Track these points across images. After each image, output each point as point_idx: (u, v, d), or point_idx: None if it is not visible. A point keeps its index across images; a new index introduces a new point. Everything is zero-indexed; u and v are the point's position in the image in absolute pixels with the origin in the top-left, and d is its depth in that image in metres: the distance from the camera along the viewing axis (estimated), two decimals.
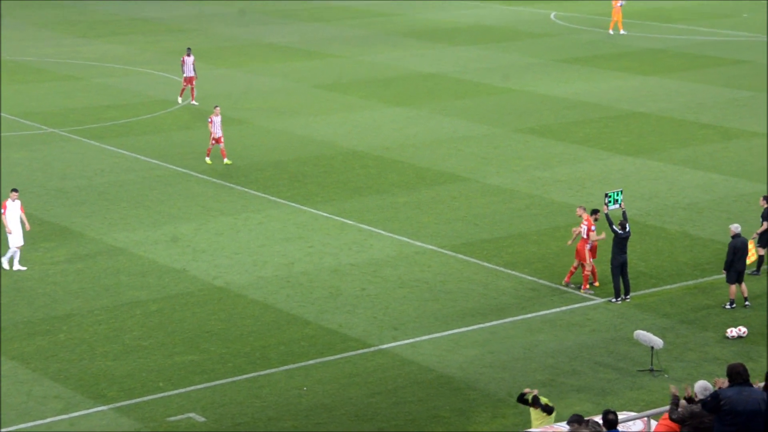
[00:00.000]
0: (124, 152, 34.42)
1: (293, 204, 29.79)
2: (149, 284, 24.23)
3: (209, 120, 32.81)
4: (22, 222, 24.88)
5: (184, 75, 40.24)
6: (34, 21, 59.48)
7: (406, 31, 58.39)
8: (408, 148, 35.70)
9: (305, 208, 29.51)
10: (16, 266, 24.79)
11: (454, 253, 26.37)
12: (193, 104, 40.34)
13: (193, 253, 26.09)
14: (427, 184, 31.81)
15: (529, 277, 24.97)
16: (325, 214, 28.99)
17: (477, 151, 35.47)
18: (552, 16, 63.21)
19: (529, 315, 23.00)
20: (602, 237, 24.04)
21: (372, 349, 21.33)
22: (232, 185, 31.31)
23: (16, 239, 24.65)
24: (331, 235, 27.47)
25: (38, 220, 27.94)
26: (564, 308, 23.35)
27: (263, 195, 30.50)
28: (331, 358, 20.95)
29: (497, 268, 25.52)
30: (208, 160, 32.89)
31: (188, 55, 40.17)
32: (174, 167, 32.96)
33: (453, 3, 68.65)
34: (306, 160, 34.21)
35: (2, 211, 24.64)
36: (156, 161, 33.55)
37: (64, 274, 24.64)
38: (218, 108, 33.09)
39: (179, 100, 40.59)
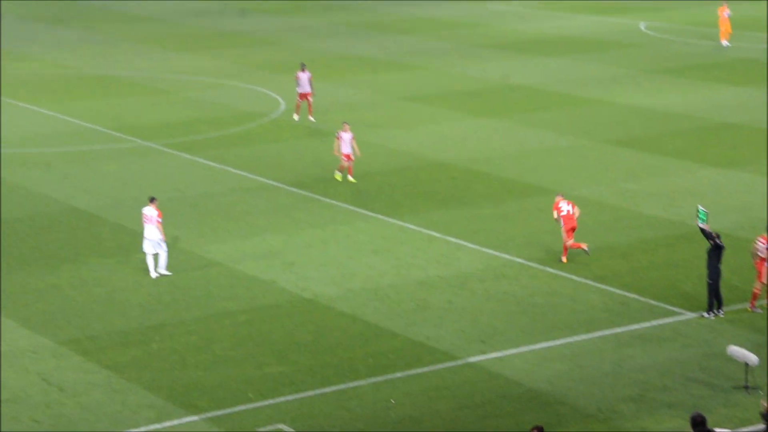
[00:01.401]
0: (215, 165, 34.90)
1: (381, 216, 29.89)
2: (239, 295, 24.51)
3: (337, 136, 32.72)
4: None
5: (299, 91, 40.18)
6: (126, 36, 60.68)
7: (493, 42, 58.25)
8: (494, 159, 35.60)
9: (393, 220, 29.59)
10: (154, 273, 25.27)
11: (541, 266, 26.20)
12: (310, 120, 40.28)
13: (281, 265, 26.34)
14: (513, 196, 31.68)
15: (619, 291, 24.69)
16: (413, 227, 29.04)
17: (564, 162, 35.22)
18: (642, 26, 62.52)
19: (619, 329, 22.74)
20: None
21: (460, 362, 21.28)
22: (320, 197, 31.54)
23: (149, 245, 25.23)
24: (419, 248, 27.50)
25: (131, 232, 28.46)
26: (654, 323, 23.04)
27: (351, 207, 30.66)
28: (419, 370, 20.95)
29: (586, 281, 25.29)
30: (350, 178, 32.60)
31: (302, 70, 40.19)
32: (263, 179, 33.32)
33: (539, 14, 68.32)
34: (393, 172, 34.31)
35: (158, 218, 25.11)
36: (245, 173, 33.96)
37: (157, 285, 25.05)
38: (347, 125, 32.89)
39: (295, 117, 40.28)
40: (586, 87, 46.41)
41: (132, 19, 67.14)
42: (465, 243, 27.83)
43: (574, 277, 25.50)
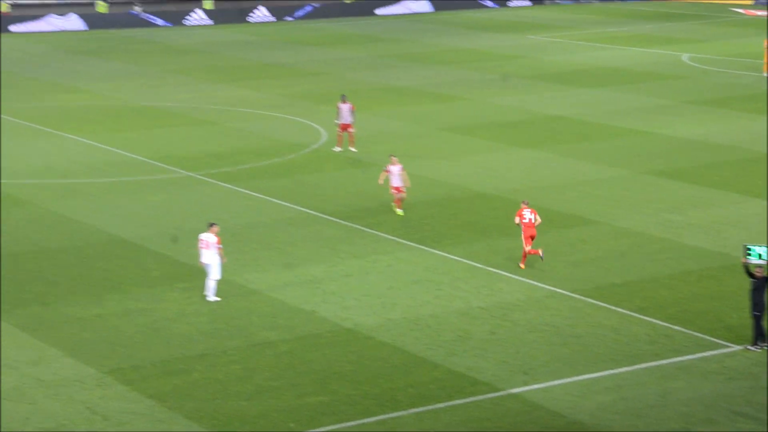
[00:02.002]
0: (257, 195, 35.12)
1: (422, 246, 29.91)
2: (280, 325, 24.60)
3: (386, 169, 32.75)
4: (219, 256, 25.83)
5: (340, 122, 40.34)
6: (170, 68, 61.38)
7: (534, 73, 58.29)
8: (536, 190, 35.54)
9: (434, 250, 29.60)
10: (210, 297, 25.76)
11: (584, 298, 26.08)
12: (352, 150, 40.46)
13: (322, 294, 26.41)
14: (555, 227, 31.58)
15: (662, 323, 24.50)
16: (454, 257, 29.02)
17: (606, 193, 35.09)
18: (685, 58, 62.31)
19: (663, 361, 22.55)
20: None
21: (502, 393, 21.19)
22: (361, 227, 31.63)
23: (214, 271, 25.64)
24: (460, 278, 27.47)
25: (174, 262, 28.68)
26: (699, 355, 22.83)
27: (392, 237, 30.71)
28: (461, 401, 20.89)
29: (629, 312, 25.13)
30: (399, 211, 32.47)
31: (343, 102, 40.49)
32: (305, 210, 33.48)
33: (581, 45, 68.32)
34: (434, 202, 34.35)
35: (218, 244, 25.62)
36: (287, 204, 34.15)
37: (198, 315, 25.20)
38: (394, 158, 32.86)
39: (337, 148, 40.44)
40: (629, 118, 46.28)
41: (176, 51, 67.91)
42: (507, 274, 27.76)
43: (617, 309, 25.35)
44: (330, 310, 25.42)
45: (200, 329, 24.36)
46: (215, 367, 22.44)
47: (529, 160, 39.66)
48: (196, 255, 29.11)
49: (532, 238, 27.82)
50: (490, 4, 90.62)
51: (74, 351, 23.11)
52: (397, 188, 32.50)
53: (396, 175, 32.47)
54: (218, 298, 25.88)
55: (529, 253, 27.83)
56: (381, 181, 32.96)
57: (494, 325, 24.46)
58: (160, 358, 22.87)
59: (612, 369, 22.20)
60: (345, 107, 40.22)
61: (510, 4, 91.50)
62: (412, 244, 30.16)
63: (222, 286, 26.72)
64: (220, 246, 25.80)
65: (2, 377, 21.81)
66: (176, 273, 27.86)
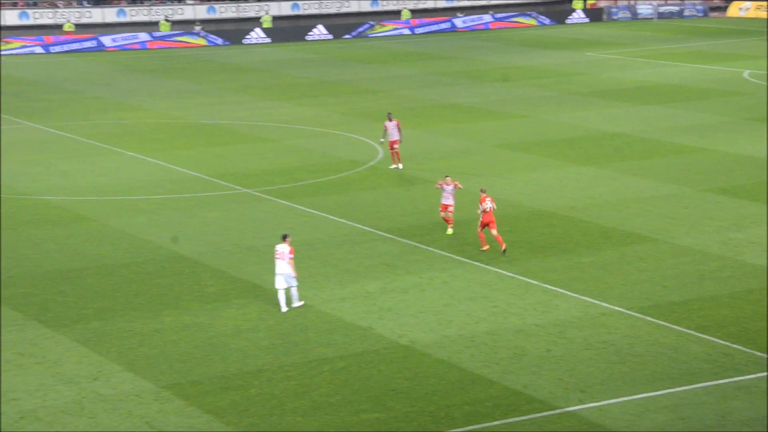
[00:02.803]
0: (313, 211, 35.30)
1: (477, 263, 29.84)
2: (336, 341, 24.66)
3: (438, 185, 32.76)
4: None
5: (388, 140, 40.46)
6: (229, 86, 61.99)
7: (592, 90, 58.00)
8: (593, 207, 35.32)
9: (489, 267, 29.52)
10: (285, 308, 26.31)
11: (642, 315, 25.84)
12: (399, 168, 40.53)
13: (378, 311, 26.44)
14: (613, 244, 31.35)
15: (722, 342, 24.19)
16: (510, 274, 28.92)
17: (665, 211, 34.77)
18: (745, 74, 61.62)
19: (723, 381, 22.25)
20: None
21: (558, 411, 21.05)
22: (417, 244, 31.64)
23: (281, 281, 26.22)
24: (516, 295, 27.37)
25: (231, 278, 28.91)
26: (760, 375, 22.49)
27: (448, 254, 30.69)
28: (517, 419, 20.77)
29: (688, 331, 24.84)
30: (449, 230, 32.50)
31: (389, 120, 40.71)
32: (361, 226, 33.58)
33: (640, 62, 67.86)
34: None
35: (290, 255, 26.23)
36: (343, 220, 34.27)
37: (256, 330, 25.36)
38: (448, 178, 32.78)
39: (392, 166, 40.54)
40: (688, 135, 45.85)
41: (235, 69, 68.58)
42: (563, 291, 27.60)
43: (675, 327, 25.07)
44: (386, 326, 25.45)
45: (257, 345, 24.50)
46: (272, 382, 22.54)
47: (586, 177, 39.43)
48: (252, 271, 29.39)
49: (488, 224, 30.26)
50: (546, 21, 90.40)
51: (133, 366, 23.36)
52: (445, 206, 32.47)
53: (448, 193, 32.48)
54: (301, 302, 26.52)
55: (496, 237, 30.29)
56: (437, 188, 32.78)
57: (550, 343, 24.32)
58: (217, 373, 23.03)
59: (670, 388, 21.96)
60: (391, 125, 40.43)
61: (567, 21, 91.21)
62: (467, 260, 30.10)
63: (277, 302, 26.86)
64: (292, 257, 26.29)
65: (63, 391, 22.11)
66: (233, 289, 28.07)
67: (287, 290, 26.44)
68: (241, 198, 37.39)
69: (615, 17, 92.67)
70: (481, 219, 30.44)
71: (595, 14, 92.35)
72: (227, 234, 33.04)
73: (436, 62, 70.09)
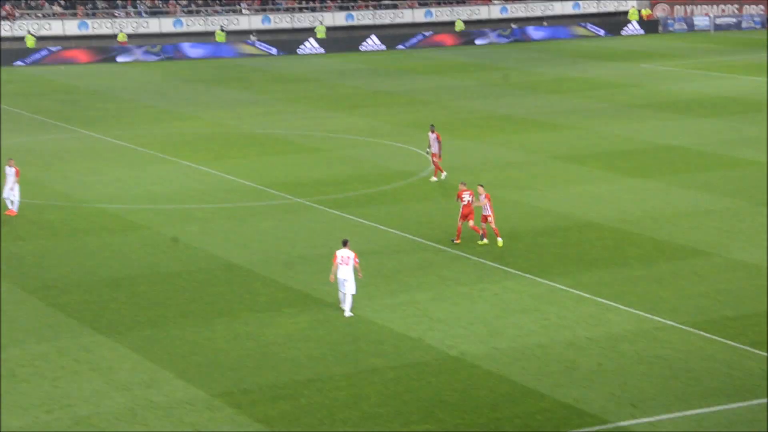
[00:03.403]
0: (365, 222, 35.37)
1: (529, 275, 29.73)
2: (386, 352, 24.67)
3: (480, 200, 32.92)
4: (355, 270, 26.73)
5: (432, 151, 40.63)
6: (282, 96, 62.37)
7: (646, 102, 57.58)
8: (647, 220, 35.03)
9: (541, 280, 29.39)
10: (349, 312, 26.74)
11: (695, 330, 25.56)
12: (433, 180, 40.66)
13: (429, 322, 26.42)
14: (666, 258, 31.07)
15: None
16: (562, 287, 28.77)
17: (720, 224, 34.40)
18: None
19: None
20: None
21: (609, 426, 20.87)
22: (467, 255, 31.58)
23: (343, 285, 26.62)
24: (567, 308, 27.21)
25: (283, 287, 29.06)
26: None
27: (499, 266, 30.60)
28: None
29: (743, 347, 24.53)
30: (499, 240, 32.49)
31: (431, 131, 40.83)
32: (412, 237, 33.59)
33: (695, 74, 67.27)
34: (542, 231, 34.13)
35: (356, 259, 26.66)
36: (394, 231, 34.30)
37: (306, 340, 25.45)
38: (481, 187, 32.72)
39: (442, 175, 40.67)
40: (744, 148, 45.33)
41: (288, 80, 68.99)
42: (615, 304, 27.40)
43: (730, 342, 24.78)
44: (437, 337, 25.42)
45: (308, 354, 24.58)
46: (322, 392, 22.60)
47: (640, 190, 39.12)
48: (303, 281, 29.51)
49: (468, 216, 32.09)
50: (601, 32, 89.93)
51: (185, 373, 23.54)
52: (485, 217, 32.47)
53: (487, 206, 32.48)
54: (351, 314, 26.65)
55: (472, 228, 32.20)
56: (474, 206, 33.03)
57: (602, 357, 24.14)
58: (268, 382, 23.13)
59: (724, 404, 21.69)
60: (432, 137, 40.47)
61: (623, 32, 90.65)
62: (519, 273, 29.99)
63: (330, 313, 26.98)
64: (358, 260, 26.65)
65: (116, 398, 22.33)
66: (284, 298, 28.20)
67: (345, 295, 26.95)
68: (293, 207, 37.57)
69: (671, 29, 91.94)
70: (461, 211, 32.09)
71: (650, 26, 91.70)
72: (279, 243, 33.21)
73: (489, 73, 69.98)
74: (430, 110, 56.62)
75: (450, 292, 28.48)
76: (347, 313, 26.77)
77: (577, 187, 39.68)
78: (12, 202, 36.30)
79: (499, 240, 32.39)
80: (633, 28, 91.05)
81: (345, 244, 26.94)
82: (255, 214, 36.66)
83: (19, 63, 75.96)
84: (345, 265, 26.53)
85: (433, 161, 40.77)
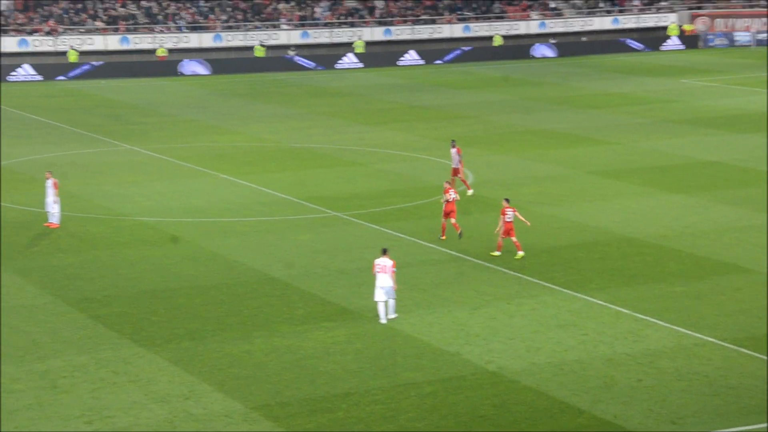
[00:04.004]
0: (402, 236, 35.39)
1: (567, 291, 29.61)
2: (424, 366, 24.65)
3: (503, 211, 32.98)
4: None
5: (453, 166, 40.78)
6: (321, 110, 62.61)
7: (686, 118, 57.24)
8: (687, 236, 34.79)
9: (579, 295, 29.26)
10: (384, 319, 27.19)
11: (736, 347, 25.33)
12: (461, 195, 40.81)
13: (466, 336, 26.38)
14: (706, 274, 30.83)
15: None
16: (600, 302, 28.62)
17: (760, 241, 34.08)
18: None
19: None
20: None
21: None
22: (505, 270, 31.51)
23: (381, 294, 27.11)
24: (606, 324, 27.07)
25: (321, 300, 29.13)
26: None
27: (537, 281, 30.50)
28: None
29: None
30: (520, 254, 32.72)
31: (453, 146, 40.99)
32: (449, 251, 33.56)
33: (736, 90, 66.80)
34: (580, 246, 33.99)
35: (393, 268, 27.15)
36: (432, 245, 34.29)
37: (344, 354, 25.48)
38: (506, 201, 32.93)
39: (469, 192, 40.87)
40: None
41: (327, 94, 69.25)
42: (654, 320, 27.22)
43: None
44: (474, 352, 25.37)
45: (345, 368, 24.61)
46: (359, 406, 22.61)
47: (679, 206, 38.88)
48: (341, 294, 29.56)
49: (452, 213, 34.01)
50: (641, 47, 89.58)
51: (223, 386, 23.64)
52: (508, 230, 32.64)
53: (510, 218, 32.60)
54: (396, 315, 27.19)
55: (453, 225, 34.04)
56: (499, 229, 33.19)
57: (641, 373, 23.98)
58: (305, 395, 23.18)
59: (765, 422, 21.46)
60: (453, 152, 40.56)
61: (662, 47, 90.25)
62: (557, 287, 29.88)
63: (367, 327, 27.01)
64: (395, 270, 27.07)
65: (155, 410, 22.47)
66: (322, 312, 28.26)
67: (386, 302, 27.24)
68: (331, 221, 37.68)
69: (711, 44, 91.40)
70: (444, 208, 34.05)
71: (690, 41, 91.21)
72: (317, 257, 33.30)
73: (527, 88, 69.88)
74: (468, 125, 56.61)
75: (487, 307, 28.42)
76: (391, 315, 27.28)
77: (616, 203, 39.50)
78: (52, 214, 36.66)
79: (520, 252, 32.46)
80: (673, 43, 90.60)
81: (384, 252, 27.43)
82: (293, 228, 36.80)
83: (61, 78, 76.83)
84: (384, 273, 27.00)
85: (460, 178, 40.75)
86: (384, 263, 27.05)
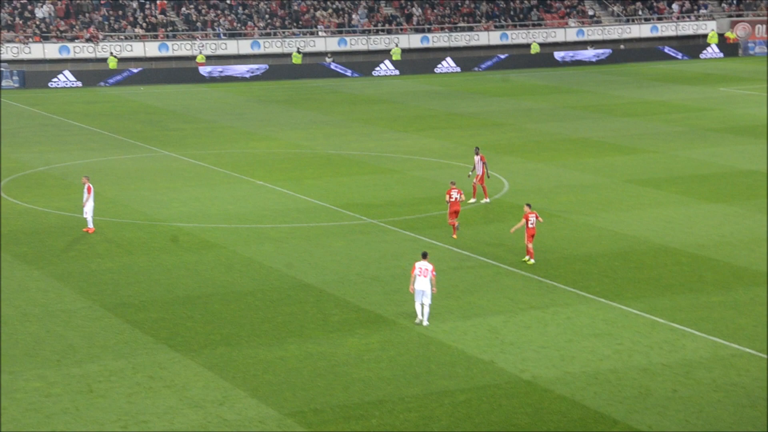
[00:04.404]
0: (437, 243, 35.37)
1: (602, 300, 29.46)
2: (458, 374, 24.62)
3: (525, 216, 33.01)
4: (431, 284, 27.57)
5: (477, 173, 40.81)
6: (356, 117, 62.73)
7: (724, 126, 56.80)
8: (724, 246, 34.52)
9: (614, 304, 29.11)
10: (422, 321, 27.62)
11: None
12: (472, 202, 40.76)
13: (500, 345, 26.32)
14: (744, 285, 30.57)
15: None
16: (636, 311, 28.46)
17: None
18: None
19: None
20: None
21: None
22: (540, 278, 31.41)
23: (420, 296, 27.54)
24: (642, 333, 26.91)
25: (355, 307, 29.17)
26: None
27: (572, 289, 30.38)
28: None
29: None
30: (530, 261, 32.91)
31: (476, 154, 40.99)
32: (484, 259, 33.51)
33: None
34: (616, 255, 33.82)
35: (433, 272, 27.55)
36: (467, 253, 34.25)
37: (378, 361, 25.49)
38: (528, 206, 33.12)
39: (485, 200, 40.98)
40: None
41: (364, 101, 69.37)
42: (691, 330, 27.02)
43: None
44: (508, 360, 25.30)
45: (379, 375, 24.62)
46: (393, 414, 22.61)
47: (717, 215, 38.58)
48: (375, 301, 29.59)
49: (456, 213, 35.64)
50: (679, 55, 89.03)
51: (257, 392, 23.73)
52: (531, 235, 32.75)
53: (532, 223, 32.70)
54: (427, 323, 27.35)
55: (451, 224, 35.59)
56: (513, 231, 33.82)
57: (677, 383, 23.81)
58: (339, 402, 23.22)
59: None
60: (476, 159, 40.58)
61: (701, 56, 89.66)
62: (592, 296, 29.74)
63: (401, 334, 27.01)
64: (435, 274, 27.46)
65: (189, 415, 22.60)
66: (356, 319, 28.30)
67: (422, 305, 27.62)
68: (366, 228, 37.72)
69: (751, 52, 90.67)
70: (449, 208, 35.58)
71: (730, 49, 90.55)
72: (351, 264, 33.36)
73: (564, 96, 69.64)
74: (504, 132, 56.50)
75: (522, 315, 28.34)
76: (425, 323, 27.44)
77: (653, 211, 39.26)
78: (88, 219, 36.96)
79: (531, 260, 32.73)
80: (712, 51, 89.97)
81: (424, 256, 27.80)
82: (328, 235, 36.88)
83: (101, 84, 77.50)
84: (423, 277, 27.31)
85: (482, 185, 40.72)
86: (425, 266, 27.45)
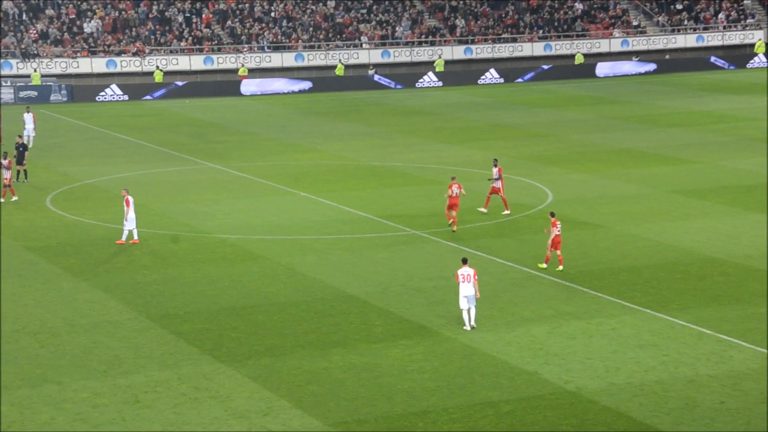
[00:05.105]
0: (481, 254, 35.31)
1: (647, 310, 29.26)
2: (502, 385, 24.55)
3: (552, 225, 33.16)
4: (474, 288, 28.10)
5: (496, 186, 40.81)
6: (400, 129, 62.82)
7: None
8: None
9: (660, 315, 28.89)
10: (468, 326, 28.15)
11: None
12: (482, 211, 40.74)
13: (545, 356, 26.21)
14: None
15: None
16: (681, 322, 28.23)
17: None
18: None
19: None
20: None
21: None
22: (585, 289, 31.25)
23: (464, 302, 28.10)
24: (688, 344, 26.68)
25: (398, 318, 29.19)
26: None
27: (617, 300, 30.19)
28: None
29: None
30: (543, 265, 33.31)
31: (495, 165, 40.95)
32: (528, 270, 33.40)
33: None
34: (661, 266, 33.57)
35: (475, 277, 28.01)
36: (511, 264, 34.16)
37: (421, 372, 25.48)
38: (552, 215, 33.48)
39: (481, 209, 40.91)
40: None
41: (407, 113, 69.45)
42: (738, 341, 26.75)
43: None
44: (552, 371, 25.19)
45: (423, 386, 24.61)
46: (437, 424, 22.59)
47: (764, 225, 38.15)
48: (419, 313, 29.59)
49: (455, 206, 37.42)
50: (725, 65, 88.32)
51: (301, 403, 23.80)
52: (556, 243, 33.04)
53: (555, 232, 32.95)
54: (475, 324, 27.91)
55: (448, 216, 37.38)
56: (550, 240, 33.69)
57: (724, 395, 23.57)
58: (383, 413, 23.23)
59: None
60: (495, 171, 40.70)
61: (748, 65, 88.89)
62: (637, 307, 29.54)
63: (445, 345, 26.99)
64: (477, 278, 27.90)
65: (234, 426, 22.71)
66: (399, 330, 28.31)
67: (469, 310, 28.01)
68: (410, 239, 37.75)
69: None
70: (448, 201, 37.37)
71: None
72: (395, 275, 33.38)
73: (607, 106, 69.32)
74: (548, 143, 56.32)
75: (566, 326, 28.21)
76: (473, 324, 27.95)
77: (699, 222, 38.94)
78: (131, 230, 37.28)
79: (543, 265, 33.11)
80: (759, 60, 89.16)
81: (465, 261, 28.24)
82: (371, 246, 36.94)
83: (147, 97, 78.28)
84: (467, 283, 27.76)
85: (502, 196, 40.72)
86: (467, 272, 27.79)
